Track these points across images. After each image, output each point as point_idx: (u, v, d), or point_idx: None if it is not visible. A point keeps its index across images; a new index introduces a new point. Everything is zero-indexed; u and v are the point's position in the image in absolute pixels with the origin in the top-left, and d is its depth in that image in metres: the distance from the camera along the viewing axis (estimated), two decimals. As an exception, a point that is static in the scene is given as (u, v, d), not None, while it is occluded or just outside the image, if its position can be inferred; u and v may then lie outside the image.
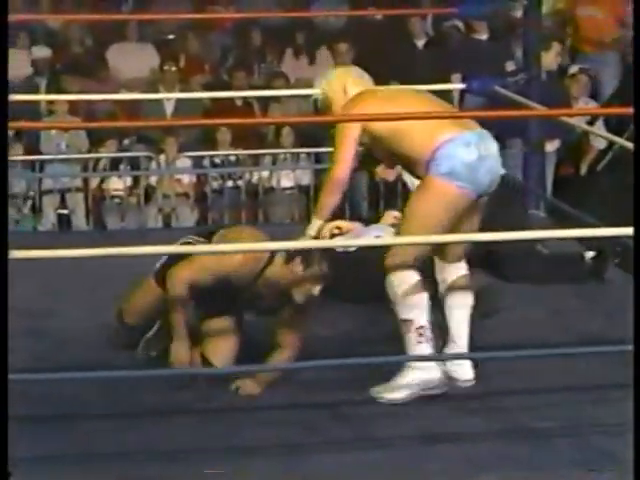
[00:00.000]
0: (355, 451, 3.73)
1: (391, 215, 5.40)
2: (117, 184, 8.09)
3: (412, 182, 5.17)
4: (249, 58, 9.45)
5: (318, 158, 7.89)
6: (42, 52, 9.09)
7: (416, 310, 4.00)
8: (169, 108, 8.47)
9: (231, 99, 8.50)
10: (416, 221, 4.01)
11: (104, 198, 8.09)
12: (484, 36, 8.91)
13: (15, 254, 3.66)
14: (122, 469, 3.61)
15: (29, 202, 8.04)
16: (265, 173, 8.19)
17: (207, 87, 8.75)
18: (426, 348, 3.98)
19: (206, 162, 8.22)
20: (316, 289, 4.14)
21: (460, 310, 4.23)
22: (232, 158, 8.25)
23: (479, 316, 4.80)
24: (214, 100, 8.48)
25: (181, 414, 3.98)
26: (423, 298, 4.02)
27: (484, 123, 4.18)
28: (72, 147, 8.24)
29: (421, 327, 3.99)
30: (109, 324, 4.55)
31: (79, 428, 3.89)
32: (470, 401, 4.06)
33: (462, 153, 3.95)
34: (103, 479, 3.59)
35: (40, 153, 8.22)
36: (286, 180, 8.16)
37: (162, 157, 8.15)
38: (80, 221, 8.06)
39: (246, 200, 8.11)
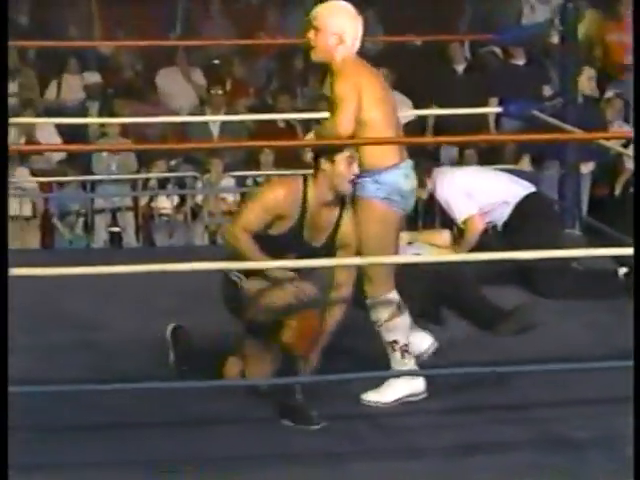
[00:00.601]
0: (394, 460, 3.76)
1: (432, 235, 5.47)
2: (165, 203, 8.22)
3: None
4: (292, 82, 9.50)
5: None
6: (94, 77, 9.21)
7: (399, 332, 4.11)
8: (215, 130, 8.54)
9: (274, 121, 8.56)
10: (374, 244, 4.05)
11: (153, 216, 8.18)
12: (521, 61, 8.91)
13: (69, 270, 3.74)
14: (166, 476, 3.64)
15: (82, 220, 8.11)
16: None
17: (252, 110, 8.85)
18: (411, 364, 4.13)
19: (249, 181, 8.31)
20: None
21: None
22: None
23: (517, 330, 4.85)
24: (258, 122, 8.55)
25: (225, 424, 4.02)
26: (405, 319, 4.12)
27: (521, 145, 4.21)
28: (122, 168, 8.31)
29: (405, 345, 4.11)
30: (157, 337, 4.57)
31: (127, 436, 3.93)
32: (507, 412, 4.09)
33: (402, 183, 4.02)
34: None
35: (92, 174, 8.30)
36: None
37: (208, 177, 8.24)
38: (130, 238, 8.15)
39: None
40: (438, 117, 8.43)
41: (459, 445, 3.81)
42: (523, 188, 5.46)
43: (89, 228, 8.14)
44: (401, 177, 4.00)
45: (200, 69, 9.46)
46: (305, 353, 4.06)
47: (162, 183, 8.28)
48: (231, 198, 8.30)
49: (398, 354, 4.09)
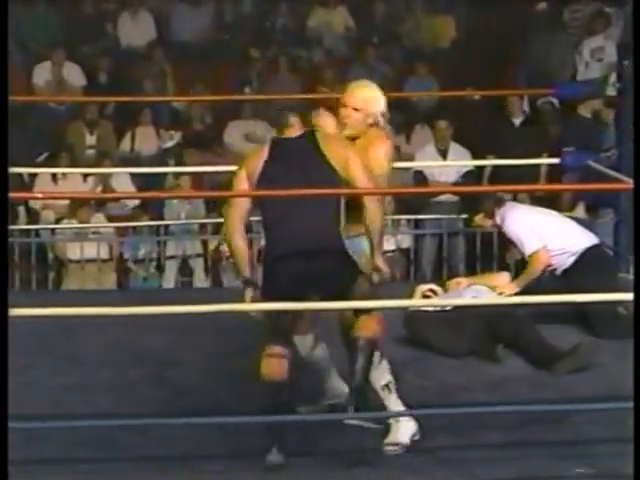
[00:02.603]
0: None
1: (492, 277, 5.46)
2: None
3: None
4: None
5: (417, 224, 7.93)
6: (172, 141, 9.32)
7: (388, 373, 4.14)
8: None
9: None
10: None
11: (221, 259, 8.21)
12: (588, 114, 8.76)
13: (143, 310, 3.76)
14: None
15: (154, 263, 8.19)
16: None
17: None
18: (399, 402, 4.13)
19: None
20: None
21: None
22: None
23: (573, 369, 4.79)
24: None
25: (292, 456, 3.96)
26: (387, 362, 4.15)
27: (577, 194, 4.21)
28: (191, 216, 8.39)
29: (394, 385, 4.14)
30: (224, 373, 4.56)
31: (197, 468, 3.92)
32: (564, 448, 4.04)
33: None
34: None
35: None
36: (388, 244, 8.20)
37: None
38: (200, 279, 8.16)
39: None
40: (495, 168, 8.38)
41: (521, 478, 3.73)
42: (588, 239, 5.46)
43: (161, 269, 8.20)
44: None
45: (267, 121, 9.52)
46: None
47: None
48: None
49: (394, 395, 4.12)
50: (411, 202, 8.17)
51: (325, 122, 4.29)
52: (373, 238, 3.95)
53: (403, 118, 9.47)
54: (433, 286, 5.37)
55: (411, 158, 8.59)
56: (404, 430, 4.08)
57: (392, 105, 10.12)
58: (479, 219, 5.56)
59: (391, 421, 4.10)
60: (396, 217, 8.16)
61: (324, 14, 10.53)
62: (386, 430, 4.10)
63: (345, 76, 9.82)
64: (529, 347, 4.98)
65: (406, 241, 8.16)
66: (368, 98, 4.16)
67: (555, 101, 9.17)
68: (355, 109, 4.14)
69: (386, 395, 4.11)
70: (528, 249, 5.31)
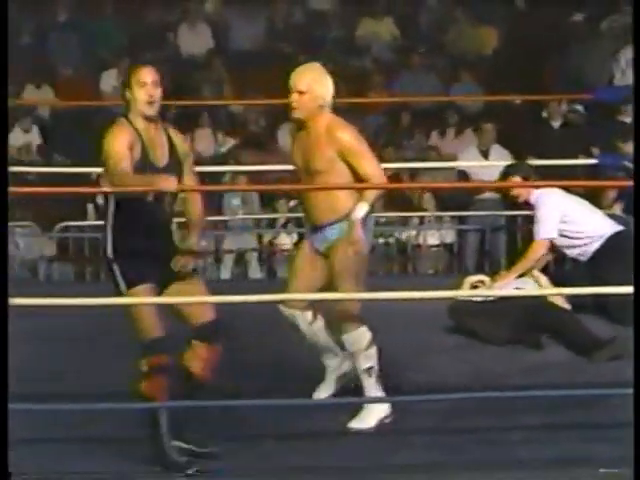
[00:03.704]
0: (498, 472, 3.67)
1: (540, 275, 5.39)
2: (285, 240, 8.27)
3: None
4: (399, 136, 9.47)
5: (461, 220, 7.90)
6: (227, 139, 9.34)
7: (373, 359, 4.09)
8: None
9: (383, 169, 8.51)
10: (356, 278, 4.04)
11: (275, 252, 8.20)
12: (628, 119, 8.62)
13: (205, 299, 3.72)
14: None
15: (212, 256, 8.25)
16: (413, 232, 8.28)
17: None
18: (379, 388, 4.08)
19: None
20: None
21: None
22: (383, 219, 8.29)
23: (611, 358, 4.71)
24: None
25: (341, 436, 3.99)
26: (375, 349, 4.11)
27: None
28: (247, 214, 8.41)
29: (377, 371, 4.10)
30: (283, 358, 4.54)
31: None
32: (600, 431, 3.98)
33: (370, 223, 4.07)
34: None
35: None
36: (432, 238, 8.21)
37: None
38: (255, 270, 8.15)
39: (396, 255, 8.18)
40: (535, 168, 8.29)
41: (560, 459, 3.71)
42: (613, 226, 5.35)
43: (219, 262, 8.24)
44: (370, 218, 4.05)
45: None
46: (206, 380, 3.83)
47: (283, 223, 8.40)
48: None
49: (373, 379, 4.06)
50: (455, 199, 8.14)
51: None
52: None
53: (447, 121, 9.44)
54: (482, 277, 5.31)
55: (454, 159, 8.53)
56: (373, 414, 4.04)
57: (437, 109, 10.23)
58: (516, 191, 5.43)
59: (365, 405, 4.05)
60: (439, 213, 8.14)
61: (372, 24, 10.50)
62: (356, 412, 4.06)
63: (392, 83, 9.81)
64: (570, 336, 4.91)
65: (450, 236, 8.17)
66: (312, 80, 4.02)
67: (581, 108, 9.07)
68: (300, 92, 4.00)
69: (365, 378, 4.07)
70: (539, 234, 5.19)
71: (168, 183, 3.59)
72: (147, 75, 3.72)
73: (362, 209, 3.91)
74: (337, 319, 4.06)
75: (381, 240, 8.25)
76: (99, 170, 8.41)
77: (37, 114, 9.35)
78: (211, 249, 8.21)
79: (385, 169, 4.21)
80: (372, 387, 4.05)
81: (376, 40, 10.43)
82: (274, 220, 8.37)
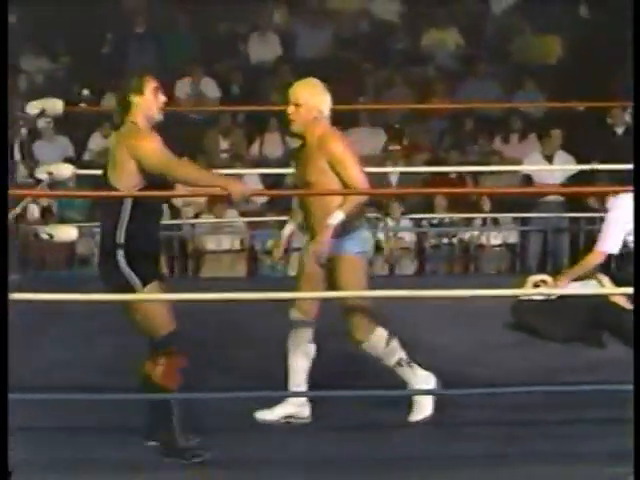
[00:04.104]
0: (555, 464, 3.61)
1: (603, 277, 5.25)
2: None
3: None
4: (463, 141, 9.35)
5: (524, 221, 7.86)
6: (294, 143, 9.32)
7: (398, 350, 4.02)
8: (394, 179, 8.54)
9: (446, 173, 8.44)
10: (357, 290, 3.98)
11: None
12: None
13: (270, 295, 3.67)
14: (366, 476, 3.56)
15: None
16: (476, 232, 8.22)
17: (426, 163, 8.79)
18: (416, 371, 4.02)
19: (425, 223, 8.34)
20: None
21: None
22: (447, 220, 8.23)
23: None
24: (433, 174, 8.47)
25: (400, 428, 3.93)
26: (396, 341, 4.03)
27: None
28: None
29: (407, 359, 4.02)
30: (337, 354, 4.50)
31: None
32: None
33: (368, 236, 4.05)
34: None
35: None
36: (495, 239, 8.12)
37: (388, 218, 8.29)
38: None
39: (459, 254, 8.13)
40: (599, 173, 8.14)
41: (620, 453, 3.54)
42: None
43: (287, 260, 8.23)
44: (366, 231, 4.03)
45: (382, 129, 9.43)
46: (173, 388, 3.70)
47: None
48: (408, 237, 8.32)
49: (407, 367, 4.00)
50: (518, 201, 8.04)
51: None
52: None
53: (510, 127, 9.31)
54: (544, 276, 5.20)
55: (517, 163, 8.43)
56: (424, 403, 3.97)
57: (500, 116, 10.07)
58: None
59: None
60: (501, 215, 8.06)
61: (437, 34, 10.42)
62: (409, 404, 4.01)
63: (456, 90, 9.70)
64: (631, 334, 4.73)
65: (512, 237, 8.10)
66: (309, 94, 4.01)
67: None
68: (297, 104, 3.98)
69: (401, 370, 4.01)
70: (600, 246, 5.02)
71: (240, 187, 3.54)
72: (156, 83, 3.70)
73: (337, 217, 3.88)
74: (349, 329, 4.00)
75: (445, 240, 8.20)
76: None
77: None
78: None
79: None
80: (410, 374, 3.99)
81: (441, 49, 10.33)
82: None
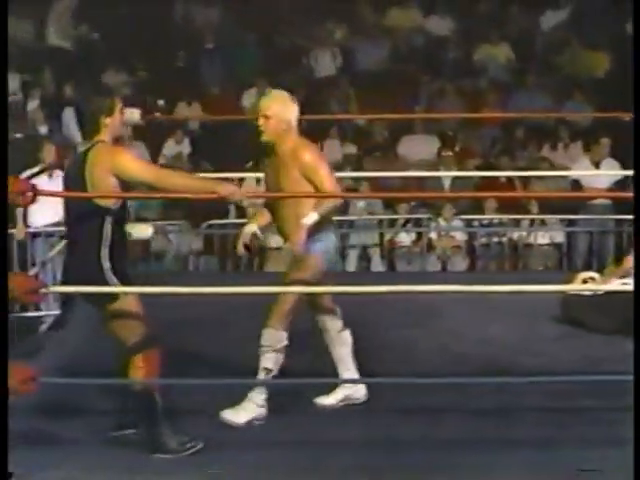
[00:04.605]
0: (602, 447, 3.59)
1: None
2: (404, 238, 8.31)
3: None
4: (513, 148, 9.31)
5: (570, 222, 7.86)
6: (350, 149, 9.36)
7: (276, 365, 4.00)
8: (447, 183, 8.55)
9: (496, 177, 8.43)
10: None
11: (394, 248, 8.23)
12: None
13: (331, 289, 3.70)
14: (421, 456, 3.56)
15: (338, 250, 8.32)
16: (524, 232, 8.23)
17: (477, 168, 8.81)
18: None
19: (475, 223, 8.36)
20: None
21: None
22: (497, 221, 8.28)
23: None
24: (483, 178, 8.48)
25: (453, 413, 3.94)
26: (282, 353, 4.01)
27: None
28: (370, 213, 8.47)
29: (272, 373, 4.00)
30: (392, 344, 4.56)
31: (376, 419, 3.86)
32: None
33: (334, 240, 4.07)
34: (396, 460, 3.52)
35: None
36: (542, 238, 8.12)
37: (441, 218, 8.32)
38: (377, 264, 8.25)
39: (508, 253, 8.12)
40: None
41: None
42: None
43: (344, 257, 8.32)
44: (332, 234, 4.06)
45: (436, 136, 9.43)
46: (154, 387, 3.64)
47: (403, 222, 8.43)
48: (459, 236, 8.33)
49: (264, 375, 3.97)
50: (566, 204, 8.03)
51: None
52: None
53: (559, 135, 9.26)
54: (592, 273, 5.18)
55: (566, 169, 8.41)
56: (241, 412, 3.95)
57: (549, 125, 9.96)
58: None
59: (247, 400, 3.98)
60: (548, 216, 8.03)
61: (488, 48, 10.41)
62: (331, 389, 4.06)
63: (507, 101, 9.66)
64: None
65: (559, 237, 8.09)
66: (278, 106, 3.96)
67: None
68: (266, 116, 3.95)
69: (345, 361, 4.05)
70: None
71: (230, 189, 3.48)
72: (121, 104, 3.68)
73: (312, 217, 3.88)
74: (270, 312, 3.98)
75: (495, 239, 8.20)
76: (241, 175, 8.76)
77: (188, 127, 9.57)
78: (339, 245, 8.32)
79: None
80: (257, 391, 3.96)
81: (493, 62, 10.30)
82: (395, 220, 8.42)
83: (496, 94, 9.79)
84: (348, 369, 4.14)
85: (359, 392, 4.15)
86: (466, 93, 9.97)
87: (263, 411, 3.98)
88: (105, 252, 3.52)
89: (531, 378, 4.05)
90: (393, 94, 9.69)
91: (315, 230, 3.91)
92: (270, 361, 3.96)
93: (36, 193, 3.38)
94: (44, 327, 6.16)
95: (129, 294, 3.56)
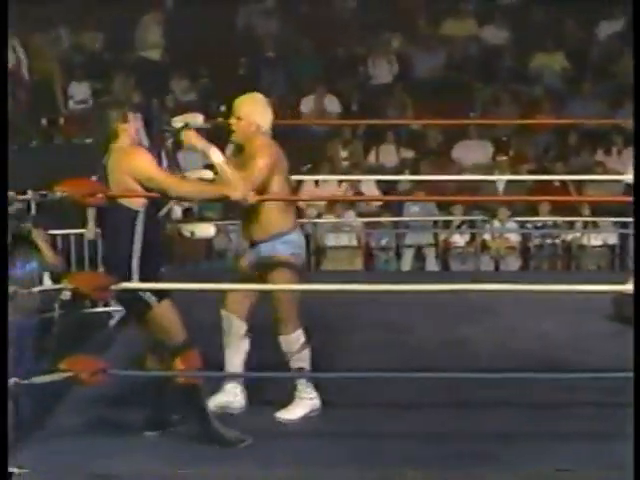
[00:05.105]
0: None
1: None
2: (458, 239, 8.33)
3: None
4: (567, 153, 9.22)
5: (623, 224, 7.80)
6: (408, 153, 9.34)
7: (306, 361, 3.92)
8: (500, 186, 8.52)
9: (550, 181, 8.35)
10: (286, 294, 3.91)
11: (449, 248, 8.26)
12: None
13: (386, 287, 3.70)
14: (461, 446, 3.56)
15: (394, 250, 8.35)
16: (578, 234, 8.19)
17: (531, 173, 8.73)
18: (311, 388, 3.95)
19: (529, 225, 8.31)
20: None
21: None
22: (550, 223, 8.24)
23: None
24: (537, 182, 8.42)
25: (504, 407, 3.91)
26: (308, 351, 3.97)
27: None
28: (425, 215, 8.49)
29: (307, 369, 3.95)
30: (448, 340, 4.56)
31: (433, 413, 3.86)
32: None
33: (300, 239, 3.98)
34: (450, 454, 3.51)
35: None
36: (595, 240, 8.04)
37: (495, 220, 8.31)
38: (431, 264, 8.29)
39: (562, 254, 8.11)
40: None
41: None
42: None
43: (399, 256, 8.32)
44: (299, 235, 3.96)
45: (490, 142, 9.38)
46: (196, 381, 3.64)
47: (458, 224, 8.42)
48: (513, 237, 8.29)
49: (304, 380, 3.90)
50: (619, 206, 7.98)
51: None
52: None
53: (612, 141, 9.14)
54: None
55: (618, 173, 8.31)
56: (296, 409, 3.93)
57: (603, 131, 9.84)
58: None
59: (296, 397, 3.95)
60: (601, 219, 8.02)
61: (544, 57, 10.34)
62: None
63: (562, 108, 9.56)
64: None
65: (612, 238, 8.04)
66: (249, 109, 3.93)
67: None
68: (239, 118, 3.93)
69: (297, 381, 3.94)
70: None
71: (240, 193, 3.49)
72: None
73: (218, 157, 3.70)
74: (275, 321, 3.94)
75: (548, 241, 8.14)
76: (299, 178, 8.81)
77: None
78: (392, 245, 8.30)
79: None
80: (301, 384, 3.91)
81: (548, 70, 10.21)
82: (449, 221, 8.42)
83: (551, 102, 9.71)
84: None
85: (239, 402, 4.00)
86: (521, 100, 9.90)
87: (317, 402, 3.97)
88: (136, 256, 3.50)
89: (583, 374, 4.00)
90: (448, 101, 9.65)
91: (279, 232, 3.89)
92: (299, 361, 3.94)
93: (106, 194, 3.44)
94: (112, 322, 6.26)
95: (163, 300, 3.54)
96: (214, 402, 3.95)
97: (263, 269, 3.92)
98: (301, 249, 3.99)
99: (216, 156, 3.63)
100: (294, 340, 3.92)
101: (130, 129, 3.60)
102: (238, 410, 3.99)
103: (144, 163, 3.51)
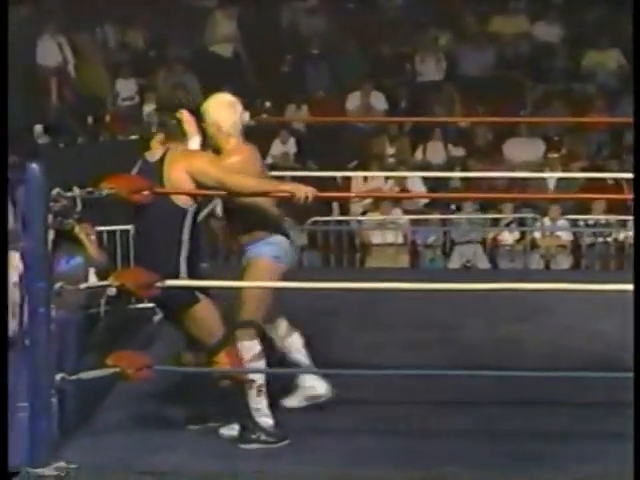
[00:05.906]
0: None
1: None
2: (508, 237, 8.29)
3: None
4: (620, 152, 9.07)
5: None
6: (457, 151, 9.27)
7: (258, 376, 3.74)
8: (551, 184, 8.47)
9: (604, 180, 8.21)
10: (261, 293, 3.79)
11: (498, 246, 8.24)
12: None
13: (434, 286, 3.66)
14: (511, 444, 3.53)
15: (440, 248, 8.30)
16: (630, 233, 8.02)
17: (584, 171, 8.62)
18: (263, 402, 3.73)
19: (581, 223, 8.25)
20: None
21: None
22: (603, 221, 8.13)
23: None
24: (589, 180, 8.33)
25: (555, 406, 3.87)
26: (262, 363, 3.80)
27: None
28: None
29: (260, 385, 3.73)
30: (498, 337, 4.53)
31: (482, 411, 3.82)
32: None
33: (285, 242, 3.86)
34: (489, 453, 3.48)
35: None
36: None
37: (547, 218, 8.23)
38: (481, 261, 8.22)
39: (614, 253, 8.02)
40: None
41: None
42: None
43: (446, 254, 8.28)
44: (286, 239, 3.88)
45: (541, 139, 9.27)
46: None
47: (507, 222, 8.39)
48: (565, 235, 8.24)
49: (254, 392, 3.71)
50: None
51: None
52: None
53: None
54: None
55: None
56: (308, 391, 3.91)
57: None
58: None
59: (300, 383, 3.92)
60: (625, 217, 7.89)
61: (597, 55, 10.22)
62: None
63: (616, 106, 9.41)
64: None
65: None
66: (215, 113, 3.81)
67: None
68: (204, 121, 3.82)
69: (247, 388, 3.71)
70: None
71: (303, 190, 3.46)
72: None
73: (196, 141, 3.71)
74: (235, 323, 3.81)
75: (600, 239, 8.03)
76: (345, 174, 8.79)
77: (294, 128, 9.67)
78: (440, 242, 8.28)
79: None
80: (252, 398, 3.71)
81: (601, 68, 10.05)
82: (498, 219, 8.37)
83: (604, 100, 9.57)
84: None
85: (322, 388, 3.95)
86: (573, 99, 9.77)
87: (320, 391, 3.92)
88: (183, 255, 3.49)
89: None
90: (498, 99, 9.57)
91: (264, 234, 3.82)
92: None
93: (152, 191, 3.44)
94: (157, 318, 6.26)
95: (202, 299, 3.53)
96: (299, 397, 3.97)
97: (247, 271, 3.85)
98: (286, 252, 3.86)
99: None
100: (246, 348, 3.74)
101: (191, 128, 3.61)
102: (324, 397, 3.98)
103: (203, 161, 3.52)
